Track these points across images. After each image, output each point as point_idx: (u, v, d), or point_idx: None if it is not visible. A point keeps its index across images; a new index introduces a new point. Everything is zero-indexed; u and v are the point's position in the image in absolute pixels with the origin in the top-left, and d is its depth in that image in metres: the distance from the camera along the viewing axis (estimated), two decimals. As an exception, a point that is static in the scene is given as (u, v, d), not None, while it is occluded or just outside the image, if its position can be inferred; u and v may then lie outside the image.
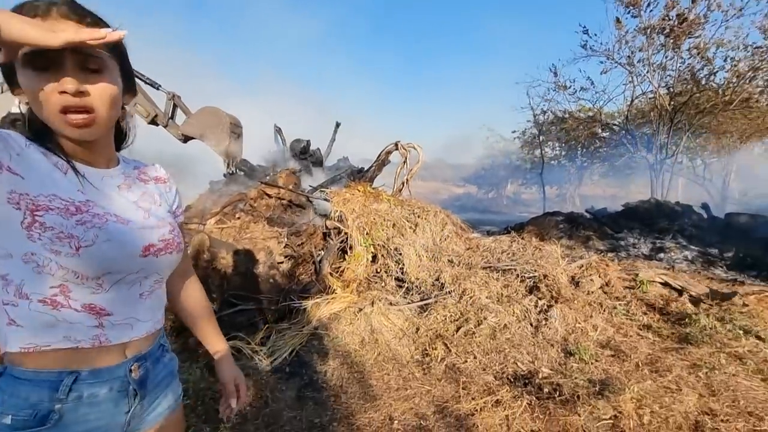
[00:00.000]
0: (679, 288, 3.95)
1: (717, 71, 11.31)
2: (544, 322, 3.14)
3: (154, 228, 0.80)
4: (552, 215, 8.80)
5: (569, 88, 14.14)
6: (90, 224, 0.68)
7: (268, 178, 4.95)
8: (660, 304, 3.70)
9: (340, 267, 3.58)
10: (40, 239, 0.64)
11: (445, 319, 3.15)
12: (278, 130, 7.27)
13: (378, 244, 3.68)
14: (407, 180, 4.91)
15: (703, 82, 11.57)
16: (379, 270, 3.67)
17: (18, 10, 0.63)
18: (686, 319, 3.37)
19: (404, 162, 5.06)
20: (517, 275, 3.57)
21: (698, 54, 11.10)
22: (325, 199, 4.21)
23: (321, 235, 4.04)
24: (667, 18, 10.93)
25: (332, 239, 3.75)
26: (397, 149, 5.26)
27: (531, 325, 3.15)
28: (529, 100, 15.15)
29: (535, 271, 3.57)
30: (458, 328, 3.04)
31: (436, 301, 3.31)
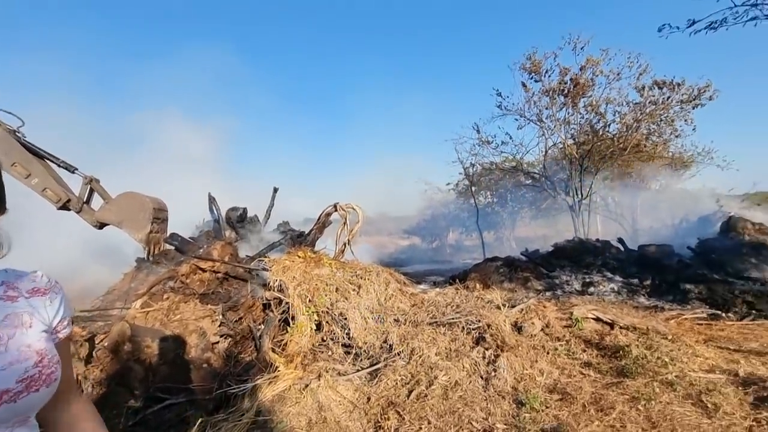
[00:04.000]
0: (610, 321, 4.21)
1: (610, 124, 13.27)
2: (493, 374, 3.14)
3: (13, 365, 0.67)
4: (492, 261, 9.18)
5: (492, 142, 15.59)
6: None
7: (201, 251, 4.70)
8: (596, 339, 3.89)
9: (282, 340, 3.37)
10: None
11: (396, 383, 3.04)
12: (212, 200, 7.05)
13: (322, 311, 3.55)
14: (348, 241, 4.91)
15: (600, 132, 13.41)
16: (324, 338, 3.51)
17: None
18: (620, 352, 3.56)
19: (344, 223, 5.08)
20: (463, 327, 3.60)
21: (592, 110, 13.04)
22: (264, 269, 4.05)
23: (261, 307, 3.83)
24: (563, 82, 12.80)
25: (273, 311, 3.57)
26: (336, 210, 5.30)
27: (481, 377, 3.14)
28: (457, 155, 16.38)
29: (479, 321, 3.64)
30: (410, 392, 2.94)
31: (385, 365, 3.21)
